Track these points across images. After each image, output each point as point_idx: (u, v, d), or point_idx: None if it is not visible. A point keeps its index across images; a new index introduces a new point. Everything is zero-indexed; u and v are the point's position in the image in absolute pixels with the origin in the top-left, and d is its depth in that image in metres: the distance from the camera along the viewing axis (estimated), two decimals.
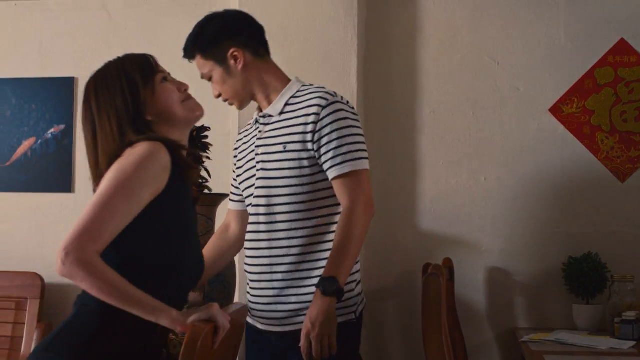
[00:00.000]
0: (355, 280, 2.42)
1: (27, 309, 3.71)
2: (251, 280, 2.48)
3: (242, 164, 2.57)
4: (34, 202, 4.00)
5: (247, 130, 2.64)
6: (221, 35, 2.51)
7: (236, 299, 3.38)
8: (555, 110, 3.58)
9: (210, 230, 3.13)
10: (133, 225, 1.85)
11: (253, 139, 2.52)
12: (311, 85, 2.51)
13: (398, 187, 3.69)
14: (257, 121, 2.53)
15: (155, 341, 1.92)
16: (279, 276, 2.39)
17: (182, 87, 2.09)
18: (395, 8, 3.72)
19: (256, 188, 2.45)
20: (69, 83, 3.97)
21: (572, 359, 2.84)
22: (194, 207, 2.09)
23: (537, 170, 3.58)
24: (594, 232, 3.53)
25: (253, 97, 2.53)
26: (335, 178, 2.34)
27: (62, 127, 3.97)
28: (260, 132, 2.49)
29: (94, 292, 1.77)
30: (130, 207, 1.83)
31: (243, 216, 2.58)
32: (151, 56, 2.08)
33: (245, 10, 3.54)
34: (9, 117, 4.05)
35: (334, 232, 2.36)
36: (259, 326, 2.46)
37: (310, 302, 2.28)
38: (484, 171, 3.59)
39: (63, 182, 3.95)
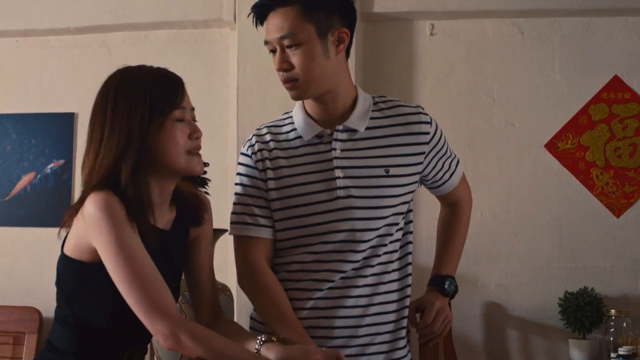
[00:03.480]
0: None
1: (25, 343, 3.70)
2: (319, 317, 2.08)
3: (292, 183, 2.06)
4: (32, 236, 4.00)
5: (280, 138, 2.12)
6: (338, 6, 2.04)
7: None
8: (551, 146, 3.61)
9: None
10: (86, 283, 1.82)
11: (318, 155, 2.07)
12: (383, 96, 2.19)
13: None
14: (318, 135, 2.08)
15: None
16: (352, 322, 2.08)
17: (194, 134, 1.87)
18: (391, 45, 3.76)
19: (333, 220, 2.03)
20: (68, 118, 3.99)
21: None
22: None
23: (532, 206, 3.60)
24: (590, 267, 3.55)
25: (322, 94, 2.05)
26: (456, 185, 2.27)
27: (62, 162, 3.99)
28: (334, 149, 2.06)
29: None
30: (144, 254, 1.79)
31: (271, 247, 2.11)
32: (181, 82, 1.87)
33: (243, 49, 3.60)
34: (8, 152, 4.07)
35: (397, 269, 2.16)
36: None
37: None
38: (480, 207, 3.59)
39: (62, 217, 3.94)
